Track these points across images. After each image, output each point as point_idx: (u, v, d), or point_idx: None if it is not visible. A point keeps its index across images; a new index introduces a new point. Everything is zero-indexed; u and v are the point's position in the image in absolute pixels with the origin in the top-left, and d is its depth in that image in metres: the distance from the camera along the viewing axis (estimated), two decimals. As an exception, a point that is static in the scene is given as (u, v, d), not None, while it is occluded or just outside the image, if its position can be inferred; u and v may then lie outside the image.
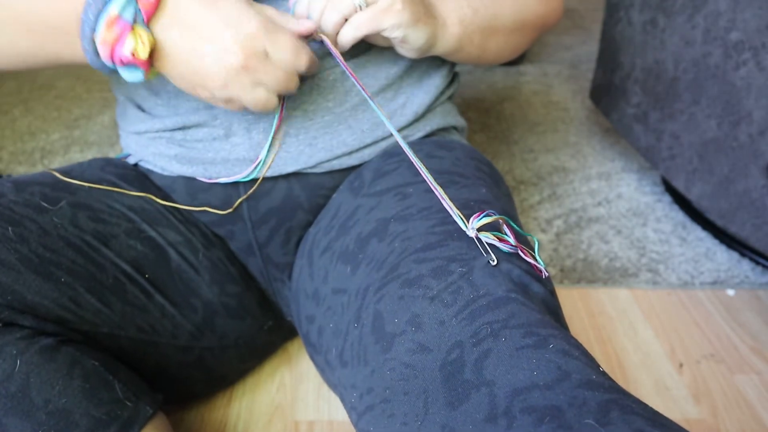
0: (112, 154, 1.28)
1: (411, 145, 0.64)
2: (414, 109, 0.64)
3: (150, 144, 0.63)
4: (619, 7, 1.08)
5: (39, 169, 1.23)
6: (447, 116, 0.69)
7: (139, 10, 0.45)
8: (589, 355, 0.38)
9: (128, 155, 0.68)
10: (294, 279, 0.65)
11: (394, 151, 0.63)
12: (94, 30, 0.45)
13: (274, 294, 0.71)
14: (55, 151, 1.29)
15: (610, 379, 0.36)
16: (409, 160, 0.60)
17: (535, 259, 0.44)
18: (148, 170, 0.66)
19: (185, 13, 0.47)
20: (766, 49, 0.78)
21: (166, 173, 0.64)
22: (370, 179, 0.60)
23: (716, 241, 1.03)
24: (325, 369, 0.58)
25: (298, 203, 0.63)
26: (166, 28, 0.47)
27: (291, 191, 0.62)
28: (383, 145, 0.64)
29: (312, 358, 0.63)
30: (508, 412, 0.34)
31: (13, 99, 1.54)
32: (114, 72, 0.49)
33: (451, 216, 0.50)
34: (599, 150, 1.31)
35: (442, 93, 0.68)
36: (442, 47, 0.60)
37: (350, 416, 0.46)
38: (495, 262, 0.43)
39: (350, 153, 0.62)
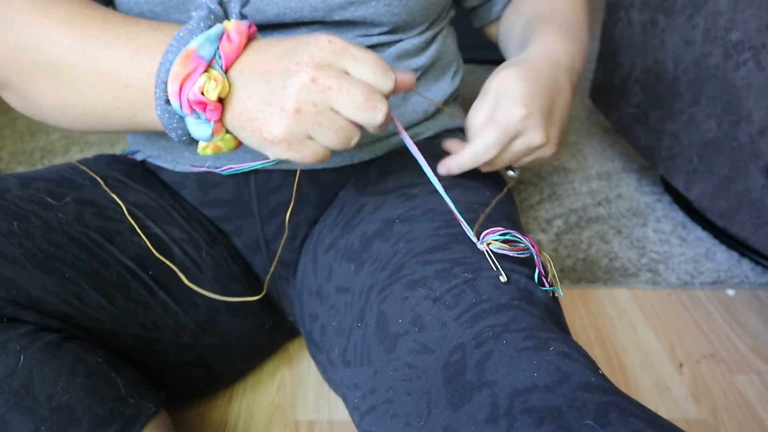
0: (112, 154, 1.28)
1: (417, 145, 0.64)
2: (424, 108, 0.65)
3: (160, 137, 0.63)
4: (619, 7, 1.09)
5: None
6: (454, 118, 0.70)
7: (219, 54, 0.41)
8: (590, 357, 0.39)
9: (135, 151, 0.68)
10: (298, 276, 0.66)
11: (401, 151, 0.63)
12: (169, 71, 0.41)
13: (278, 292, 0.71)
14: (55, 151, 1.29)
15: (609, 381, 0.37)
16: (415, 159, 0.60)
17: (545, 267, 0.45)
18: (157, 166, 0.66)
19: (260, 49, 0.42)
20: (766, 49, 0.78)
21: (177, 169, 0.64)
22: (375, 177, 0.60)
23: (716, 241, 1.03)
24: (327, 368, 0.58)
25: (306, 199, 0.63)
26: (241, 70, 0.42)
27: (300, 187, 0.62)
28: (395, 140, 0.64)
29: (314, 356, 0.63)
30: (509, 413, 0.34)
31: (13, 99, 1.54)
32: (182, 123, 0.44)
33: (454, 218, 0.50)
34: (599, 150, 1.31)
35: (450, 95, 0.69)
36: None
37: (352, 416, 0.46)
38: (505, 280, 0.44)
39: (361, 146, 0.62)
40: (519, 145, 0.52)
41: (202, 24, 0.41)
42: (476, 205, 0.53)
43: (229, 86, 0.42)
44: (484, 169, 0.55)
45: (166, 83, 0.42)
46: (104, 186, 0.60)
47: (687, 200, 1.10)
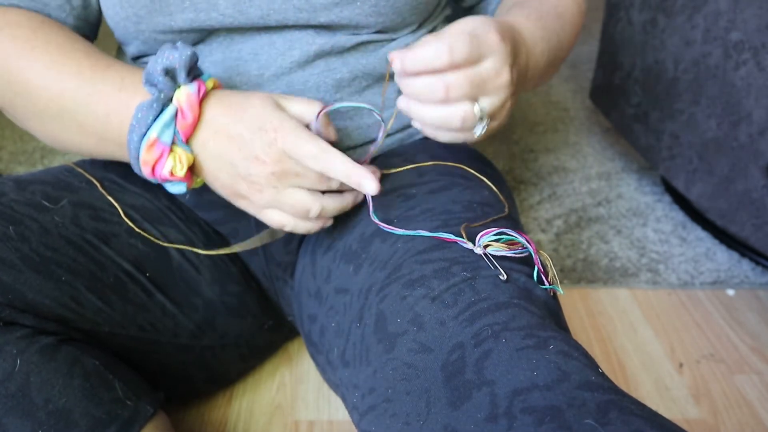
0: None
1: (415, 144, 0.64)
2: None
3: None
4: (619, 7, 1.08)
5: (39, 169, 1.23)
6: None
7: (178, 132, 0.48)
8: (589, 356, 0.39)
9: None
10: (296, 278, 0.65)
11: (399, 152, 0.63)
12: (138, 149, 0.48)
13: (276, 293, 0.71)
14: (54, 151, 1.29)
15: (609, 380, 0.37)
16: (413, 161, 0.60)
17: (544, 266, 0.45)
18: None
19: (218, 126, 0.49)
20: (766, 49, 0.78)
21: None
22: None
23: (716, 241, 1.03)
24: (326, 369, 0.58)
25: None
26: (203, 143, 0.49)
27: None
28: (390, 142, 0.64)
29: (313, 357, 0.63)
30: (508, 412, 0.34)
31: (12, 99, 1.54)
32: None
33: (453, 218, 0.50)
34: (599, 150, 1.31)
35: None
36: None
37: (352, 416, 0.46)
38: (505, 278, 0.44)
39: (354, 147, 0.62)
40: (487, 69, 0.46)
41: (155, 105, 0.47)
42: (475, 204, 0.53)
43: (194, 156, 0.50)
44: (442, 118, 0.47)
45: (138, 159, 0.48)
46: (100, 188, 0.60)
47: (687, 200, 1.10)
